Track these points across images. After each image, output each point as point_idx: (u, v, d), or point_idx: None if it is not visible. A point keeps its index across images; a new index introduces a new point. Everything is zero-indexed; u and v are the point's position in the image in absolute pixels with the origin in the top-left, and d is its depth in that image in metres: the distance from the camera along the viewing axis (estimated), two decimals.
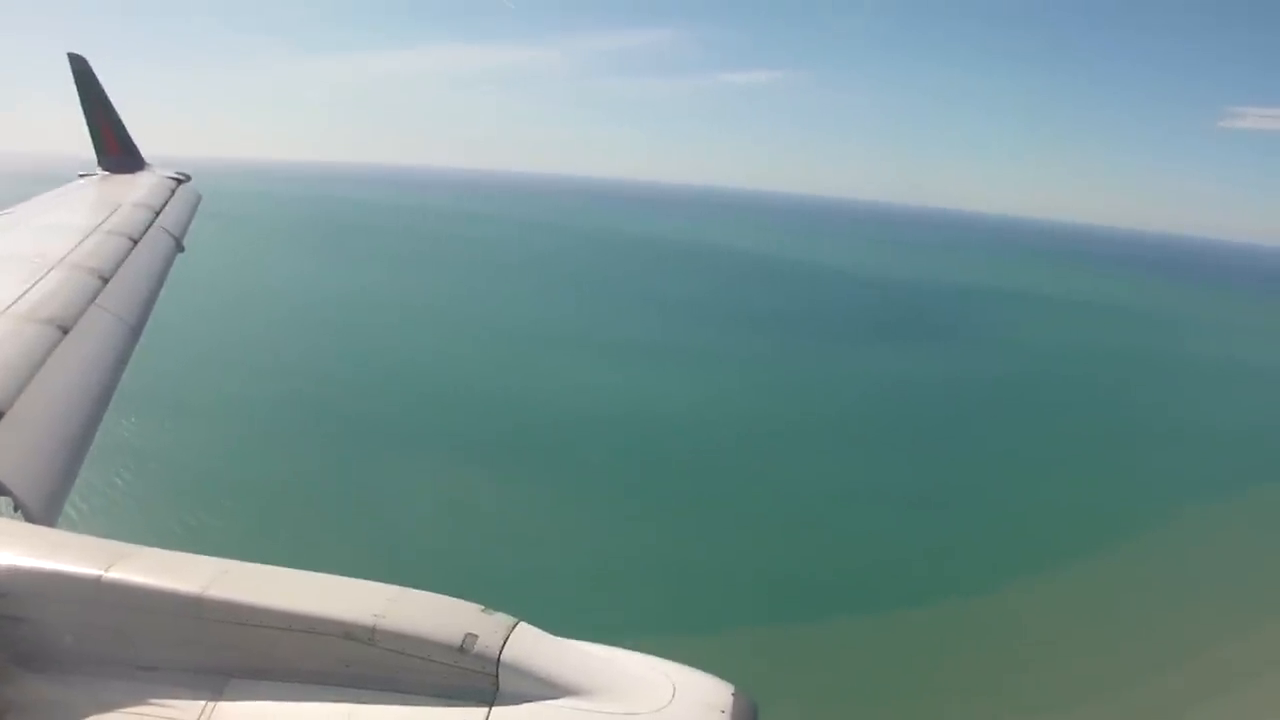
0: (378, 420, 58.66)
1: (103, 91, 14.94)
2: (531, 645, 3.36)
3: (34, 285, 7.53)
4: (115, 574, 3.48)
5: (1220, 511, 54.23)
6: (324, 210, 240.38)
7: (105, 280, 8.41)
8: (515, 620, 3.43)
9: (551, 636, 3.47)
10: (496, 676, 3.25)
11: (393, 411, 60.99)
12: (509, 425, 59.69)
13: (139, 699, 3.33)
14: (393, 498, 45.43)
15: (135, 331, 8.20)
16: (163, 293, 9.85)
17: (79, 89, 14.68)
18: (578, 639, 3.56)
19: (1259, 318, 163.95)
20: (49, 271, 8.03)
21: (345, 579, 3.65)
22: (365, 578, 3.65)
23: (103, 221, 10.62)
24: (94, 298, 7.87)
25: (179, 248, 11.69)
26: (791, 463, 57.75)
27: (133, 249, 9.96)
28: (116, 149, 15.36)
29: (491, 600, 3.57)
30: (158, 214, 12.06)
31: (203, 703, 3.30)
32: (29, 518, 4.76)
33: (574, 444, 57.13)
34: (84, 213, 11.59)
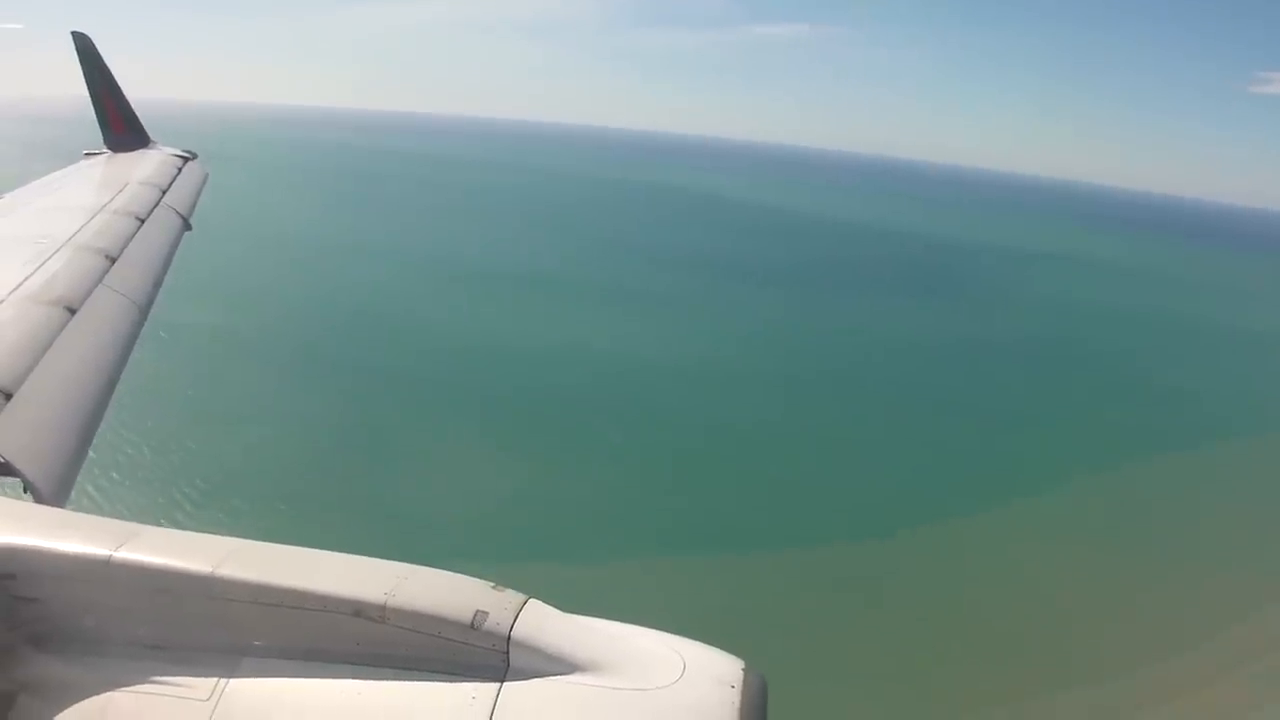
0: (379, 377, 58.84)
1: (107, 69, 14.89)
2: (541, 621, 3.35)
3: (41, 266, 7.55)
4: (126, 553, 3.48)
5: (1197, 466, 55.13)
6: (348, 158, 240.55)
7: (112, 260, 8.41)
8: (525, 597, 3.43)
9: (561, 613, 3.46)
10: (507, 653, 3.25)
11: (398, 367, 61.04)
12: (508, 379, 60.09)
13: (151, 678, 3.36)
14: (394, 466, 45.57)
15: (144, 311, 8.21)
16: (170, 271, 9.86)
17: (83, 67, 14.63)
18: (588, 615, 3.56)
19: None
20: (56, 252, 8.04)
21: (356, 557, 3.67)
22: (376, 546, 3.67)
23: (109, 201, 10.61)
24: (101, 278, 7.88)
25: (187, 226, 11.68)
26: (788, 412, 58.97)
27: (140, 228, 9.96)
28: (121, 127, 15.32)
29: (500, 574, 3.56)
30: (165, 192, 12.04)
31: (214, 680, 3.32)
32: (39, 499, 4.79)
33: (575, 398, 57.75)
34: (90, 192, 11.59)
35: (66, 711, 3.31)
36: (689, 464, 49.23)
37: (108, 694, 3.31)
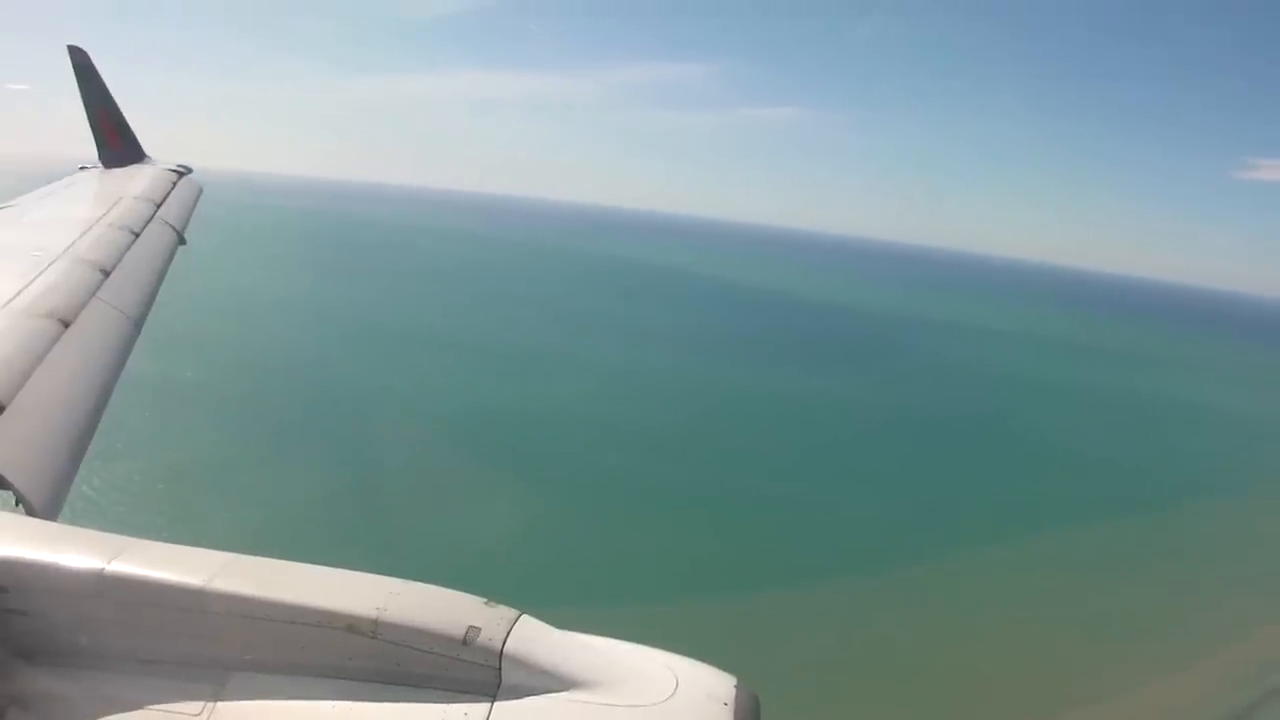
0: (371, 427, 60.59)
1: (103, 84, 14.79)
2: (534, 638, 3.34)
3: (35, 279, 7.47)
4: (117, 567, 3.45)
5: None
6: (342, 229, 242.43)
7: (106, 273, 8.34)
8: (518, 613, 3.41)
9: (554, 629, 3.45)
10: (499, 669, 3.23)
11: (378, 422, 62.65)
12: (491, 432, 62.39)
13: (141, 693, 3.33)
14: (387, 495, 46.72)
15: (137, 325, 8.13)
16: (164, 286, 9.82)
17: (79, 82, 14.52)
18: (580, 631, 3.54)
19: (1264, 369, 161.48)
20: (50, 265, 7.96)
21: (348, 572, 3.64)
22: (365, 570, 3.65)
23: (104, 215, 10.54)
24: (95, 291, 7.80)
25: (180, 240, 11.60)
26: (779, 472, 61.13)
27: (134, 242, 9.89)
28: (117, 142, 15.22)
29: (493, 591, 3.56)
30: (159, 207, 11.96)
31: (204, 700, 3.29)
32: (30, 511, 4.74)
33: (553, 447, 60.10)
34: (85, 206, 11.53)
35: None
36: (668, 508, 51.14)
37: (98, 710, 3.27)
